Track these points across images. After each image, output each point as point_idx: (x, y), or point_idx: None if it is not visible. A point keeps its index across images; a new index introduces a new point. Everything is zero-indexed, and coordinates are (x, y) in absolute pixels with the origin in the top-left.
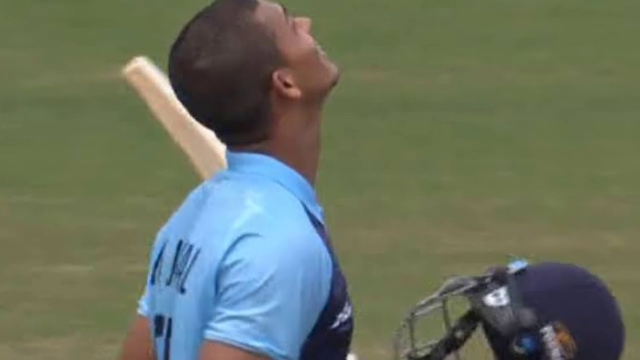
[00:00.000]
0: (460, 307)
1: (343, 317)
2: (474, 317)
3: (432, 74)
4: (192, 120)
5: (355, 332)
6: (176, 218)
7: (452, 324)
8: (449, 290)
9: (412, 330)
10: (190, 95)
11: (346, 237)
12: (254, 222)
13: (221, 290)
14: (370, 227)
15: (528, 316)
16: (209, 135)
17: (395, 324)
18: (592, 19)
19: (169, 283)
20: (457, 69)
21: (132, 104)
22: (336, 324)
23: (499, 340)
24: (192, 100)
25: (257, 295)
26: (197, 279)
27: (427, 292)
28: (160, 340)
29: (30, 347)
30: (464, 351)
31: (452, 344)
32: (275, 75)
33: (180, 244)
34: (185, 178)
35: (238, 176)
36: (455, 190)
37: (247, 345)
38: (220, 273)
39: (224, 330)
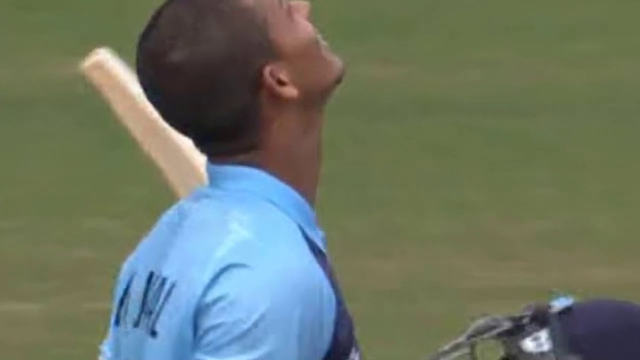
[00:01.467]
0: (491, 354)
1: None
2: None
3: (457, 69)
4: (165, 125)
5: None
6: (146, 245)
7: None
8: (478, 332)
9: None
10: (163, 94)
11: (353, 268)
12: (240, 249)
13: (201, 332)
14: (382, 255)
15: None
16: (186, 143)
17: None
18: None
19: (136, 324)
20: (487, 63)
21: (92, 106)
22: None
23: None
24: (166, 100)
25: (244, 338)
26: (171, 319)
27: (451, 334)
28: None
29: None
30: None
31: None
32: (267, 70)
33: (150, 276)
34: (156, 196)
35: (221, 194)
36: (485, 210)
37: None
38: (200, 311)
39: None
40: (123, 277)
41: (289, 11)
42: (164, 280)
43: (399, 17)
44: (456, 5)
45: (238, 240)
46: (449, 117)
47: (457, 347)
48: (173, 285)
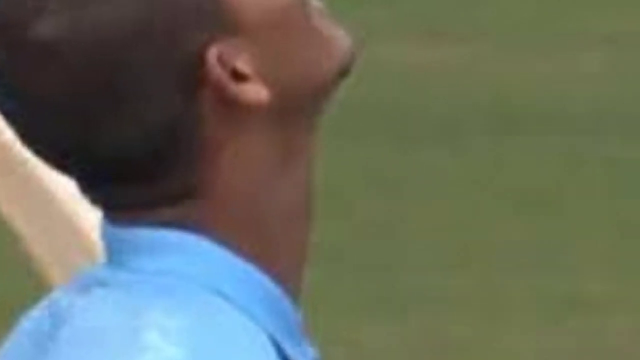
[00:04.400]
0: None
1: None
2: None
3: (560, 52)
4: (28, 154)
5: None
6: None
7: None
8: None
9: None
10: (24, 97)
11: None
12: None
13: None
14: None
15: None
16: (65, 188)
17: None
18: None
19: None
20: (616, 40)
21: None
22: None
23: None
24: (28, 109)
25: None
26: None
27: None
28: None
29: None
30: None
31: None
32: (213, 53)
33: None
34: (9, 285)
35: (128, 279)
36: (614, 309)
37: None
38: None
39: None
40: None
41: None
42: None
43: None
44: None
45: None
46: (545, 139)
47: None
48: None
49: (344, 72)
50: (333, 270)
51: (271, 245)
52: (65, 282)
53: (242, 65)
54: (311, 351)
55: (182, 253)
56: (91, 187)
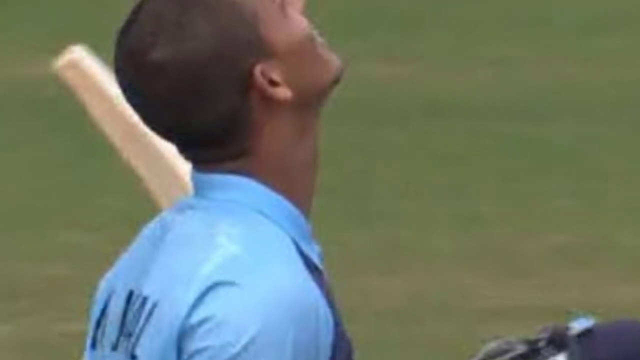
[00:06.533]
0: None
1: None
2: None
3: (469, 68)
4: (147, 130)
5: None
6: (125, 261)
7: None
8: (490, 356)
9: None
10: (144, 96)
11: (353, 286)
12: (228, 266)
13: (185, 357)
14: (386, 272)
15: None
16: (169, 150)
17: None
18: None
19: (115, 347)
20: (501, 61)
21: (66, 109)
22: None
23: None
24: (147, 103)
25: None
26: (152, 342)
27: (460, 358)
28: None
29: None
30: None
31: None
32: (257, 69)
33: (130, 295)
34: (136, 207)
35: (207, 205)
36: (498, 224)
37: None
38: (184, 334)
39: None
40: (100, 296)
41: (282, 5)
42: (144, 300)
43: (405, 10)
44: None
45: (226, 256)
46: (459, 122)
47: None
48: (155, 305)
49: (336, 81)
50: (329, 199)
51: (293, 184)
52: (169, 207)
53: (276, 76)
54: (317, 248)
55: (239, 189)
56: (185, 149)
